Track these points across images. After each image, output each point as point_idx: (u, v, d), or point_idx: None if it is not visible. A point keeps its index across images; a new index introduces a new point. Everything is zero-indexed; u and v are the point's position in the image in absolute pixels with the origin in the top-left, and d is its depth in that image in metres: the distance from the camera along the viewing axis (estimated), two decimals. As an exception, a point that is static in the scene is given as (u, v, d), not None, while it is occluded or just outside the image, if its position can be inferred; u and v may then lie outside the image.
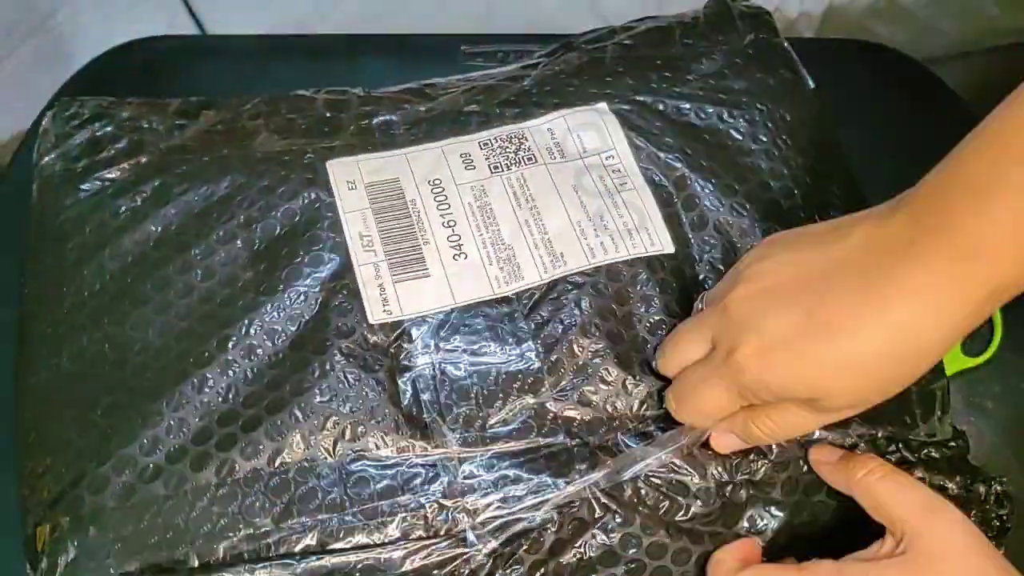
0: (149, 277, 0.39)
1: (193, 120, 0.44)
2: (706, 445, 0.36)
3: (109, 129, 0.42)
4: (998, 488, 0.37)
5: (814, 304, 0.30)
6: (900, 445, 0.38)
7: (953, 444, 0.39)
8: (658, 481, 0.36)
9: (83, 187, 0.41)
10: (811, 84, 0.47)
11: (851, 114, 0.47)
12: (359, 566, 0.33)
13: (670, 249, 0.40)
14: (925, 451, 0.38)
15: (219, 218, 0.40)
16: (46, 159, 0.42)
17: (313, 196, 0.41)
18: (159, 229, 0.40)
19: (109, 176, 0.41)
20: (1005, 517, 0.38)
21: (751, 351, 0.31)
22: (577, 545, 0.35)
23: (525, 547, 0.35)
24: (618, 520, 0.35)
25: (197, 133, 0.43)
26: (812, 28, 0.68)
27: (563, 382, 0.37)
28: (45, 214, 0.41)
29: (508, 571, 0.35)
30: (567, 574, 0.36)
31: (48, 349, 0.38)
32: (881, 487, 0.34)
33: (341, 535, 0.34)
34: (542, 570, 0.35)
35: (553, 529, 0.35)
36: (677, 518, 0.36)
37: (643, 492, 0.36)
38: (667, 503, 0.36)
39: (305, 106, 0.45)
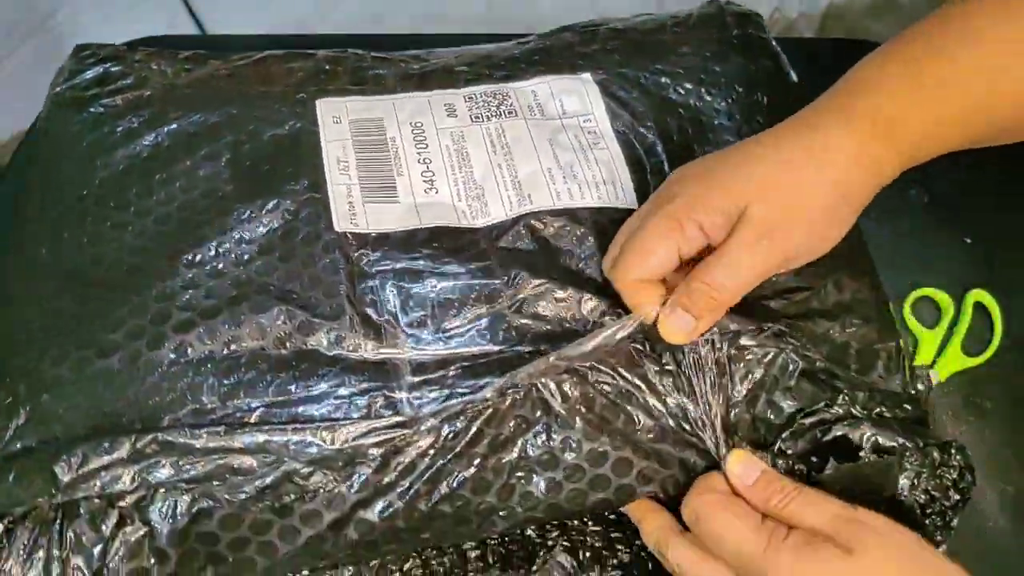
0: (135, 185, 0.41)
1: (200, 66, 0.46)
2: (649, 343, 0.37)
3: (120, 67, 0.45)
4: (958, 458, 0.37)
5: (747, 151, 0.36)
6: (848, 397, 0.38)
7: (908, 406, 0.39)
8: (607, 388, 0.36)
9: (88, 109, 0.44)
10: (794, 78, 0.48)
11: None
12: (295, 441, 0.34)
13: (633, 205, 0.41)
14: (876, 409, 0.38)
15: (208, 140, 0.42)
16: (58, 88, 0.45)
17: (299, 126, 0.43)
18: (150, 144, 0.42)
19: (113, 103, 0.44)
20: (964, 488, 0.37)
21: (695, 175, 0.37)
22: (517, 443, 0.36)
23: (466, 441, 0.35)
24: (559, 422, 0.36)
25: (201, 76, 0.46)
26: (812, 28, 0.68)
27: (520, 295, 0.38)
28: (49, 131, 0.44)
29: (447, 463, 0.35)
30: (507, 472, 0.36)
31: (30, 245, 0.40)
32: (796, 505, 0.34)
33: (284, 418, 0.35)
34: (481, 462, 0.35)
35: (495, 425, 0.35)
36: (620, 426, 0.36)
37: (590, 396, 0.36)
38: (613, 411, 0.36)
39: (306, 59, 0.47)
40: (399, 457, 0.34)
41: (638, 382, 0.36)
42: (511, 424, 0.36)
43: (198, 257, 0.38)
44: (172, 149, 0.42)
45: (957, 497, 0.37)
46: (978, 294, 0.47)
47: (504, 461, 0.35)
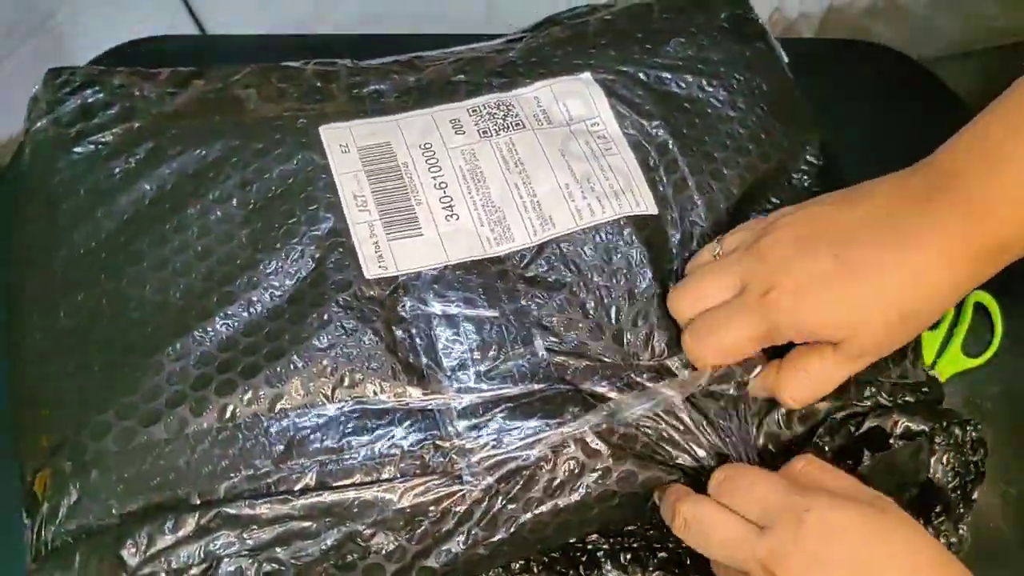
0: (145, 235, 0.39)
1: (183, 88, 0.44)
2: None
3: (101, 96, 0.43)
4: (973, 433, 0.39)
5: (842, 250, 0.34)
6: (875, 390, 0.39)
7: (927, 389, 0.40)
8: (649, 431, 0.37)
9: (76, 150, 0.41)
10: (784, 58, 0.48)
11: (850, 114, 0.47)
12: (356, 502, 0.34)
13: (653, 211, 0.42)
14: (901, 396, 0.39)
15: (214, 178, 0.40)
16: (38, 124, 0.42)
17: (307, 158, 0.41)
18: (154, 188, 0.40)
19: (102, 140, 0.41)
20: (980, 463, 0.39)
21: (787, 290, 0.34)
22: (570, 486, 0.37)
23: (520, 485, 0.36)
24: (610, 460, 0.37)
25: (188, 100, 0.43)
26: (812, 28, 0.68)
27: (557, 332, 0.38)
28: (36, 178, 0.41)
29: (504, 507, 0.36)
30: (566, 512, 0.37)
31: (41, 309, 0.38)
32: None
33: (339, 476, 0.35)
34: (538, 508, 0.36)
35: (548, 468, 0.36)
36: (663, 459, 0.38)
37: (633, 436, 0.37)
38: (659, 450, 0.38)
39: (295, 75, 0.45)
40: (456, 508, 0.35)
41: (678, 423, 0.38)
42: (563, 470, 0.36)
43: (229, 311, 0.37)
44: (177, 193, 0.40)
45: (977, 471, 0.39)
46: (978, 294, 0.47)
47: (559, 505, 0.36)
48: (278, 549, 0.33)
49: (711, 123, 0.44)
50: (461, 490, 0.35)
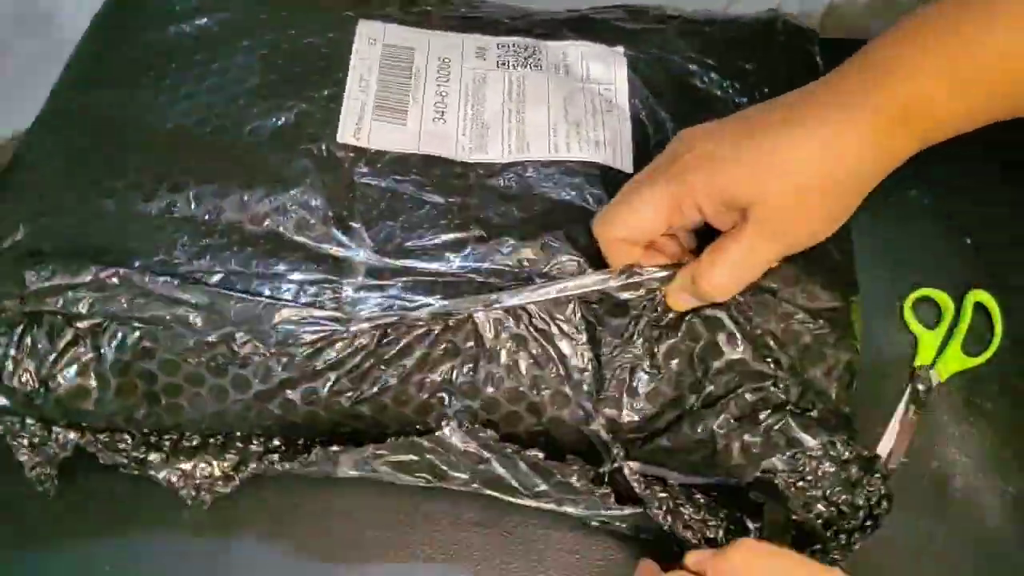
0: (176, 60, 0.44)
1: None
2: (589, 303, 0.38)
3: None
4: (879, 482, 0.37)
5: (755, 129, 0.35)
6: (779, 385, 0.38)
7: (838, 411, 0.39)
8: (538, 332, 0.38)
9: None
10: None
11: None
12: (237, 306, 0.37)
13: (628, 169, 0.43)
14: (804, 405, 0.38)
15: (252, 34, 0.45)
16: None
17: (337, 39, 0.46)
18: (200, 28, 0.46)
19: None
20: (878, 513, 0.37)
21: (700, 155, 0.35)
22: (443, 366, 0.38)
23: (395, 352, 0.37)
24: (486, 355, 0.38)
25: None
26: (812, 27, 0.67)
27: (488, 232, 0.40)
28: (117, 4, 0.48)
29: (374, 366, 0.37)
30: (428, 390, 0.38)
31: (82, 90, 0.44)
32: None
33: (238, 287, 0.38)
34: (405, 375, 0.38)
35: (427, 343, 0.38)
36: (542, 372, 0.38)
37: (522, 337, 0.38)
38: (541, 356, 0.38)
39: None
40: (329, 350, 0.37)
41: (569, 331, 0.38)
42: (441, 347, 0.38)
43: (208, 131, 0.41)
44: (217, 36, 0.45)
45: (867, 520, 0.37)
46: (978, 294, 0.47)
47: (427, 380, 0.38)
48: (160, 327, 0.37)
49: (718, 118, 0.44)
50: (338, 334, 0.37)
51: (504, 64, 0.46)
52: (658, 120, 0.45)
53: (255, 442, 0.41)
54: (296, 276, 0.38)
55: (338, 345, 0.37)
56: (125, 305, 0.36)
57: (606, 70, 0.46)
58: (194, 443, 0.41)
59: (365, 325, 0.37)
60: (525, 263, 0.39)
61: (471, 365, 0.38)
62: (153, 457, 0.40)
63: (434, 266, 0.39)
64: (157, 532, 0.42)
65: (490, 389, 0.38)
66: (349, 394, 0.37)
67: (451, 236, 0.40)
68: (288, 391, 0.37)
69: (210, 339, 0.37)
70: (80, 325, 0.37)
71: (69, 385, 0.37)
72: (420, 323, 0.37)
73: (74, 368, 0.37)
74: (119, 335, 0.37)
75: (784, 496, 0.37)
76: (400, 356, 0.37)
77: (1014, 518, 0.43)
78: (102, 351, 0.37)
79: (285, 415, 0.38)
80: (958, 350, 0.47)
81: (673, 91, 0.46)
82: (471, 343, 0.38)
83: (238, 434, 0.41)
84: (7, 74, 0.53)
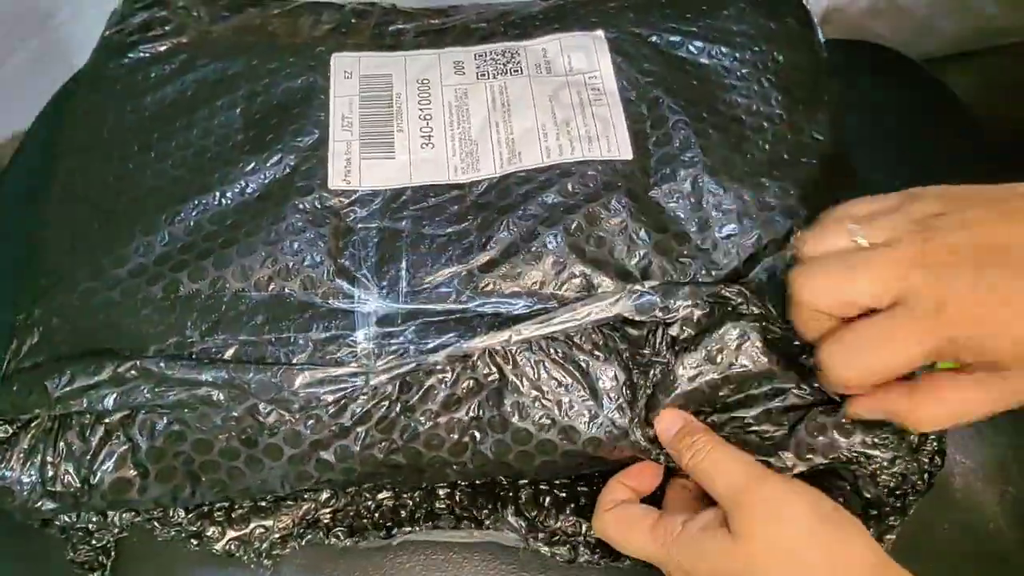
0: (157, 130, 0.44)
1: (235, 13, 0.49)
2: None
3: (164, 13, 0.49)
4: (934, 442, 0.37)
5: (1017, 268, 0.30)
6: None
7: None
8: (559, 358, 0.38)
9: (128, 55, 0.47)
10: (821, 38, 0.47)
11: (850, 114, 0.47)
12: (257, 379, 0.37)
13: (628, 156, 0.42)
14: None
15: (228, 88, 0.45)
16: (108, 32, 0.49)
17: (312, 80, 0.45)
18: (176, 93, 0.45)
19: (152, 50, 0.47)
20: (932, 473, 0.37)
21: (968, 304, 0.29)
22: (468, 404, 0.38)
23: (418, 396, 0.37)
24: (509, 387, 0.37)
25: (234, 24, 0.49)
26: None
27: (493, 256, 0.39)
28: (92, 72, 0.48)
29: (401, 415, 0.37)
30: (458, 430, 0.38)
31: (69, 173, 0.44)
32: (705, 465, 0.35)
33: (254, 356, 0.38)
34: (433, 418, 0.38)
35: (448, 383, 0.38)
36: (566, 398, 0.38)
37: (543, 364, 0.38)
38: (563, 380, 0.38)
39: (335, 11, 0.49)
40: (353, 406, 0.37)
41: (590, 348, 0.38)
42: (463, 385, 0.37)
43: (203, 202, 0.41)
44: (194, 97, 0.45)
45: (924, 482, 0.37)
46: None
47: (455, 420, 0.38)
48: (186, 410, 0.37)
49: (710, 88, 0.44)
50: (359, 388, 0.37)
51: (484, 75, 0.45)
52: (650, 99, 0.44)
53: (307, 497, 0.42)
54: (308, 337, 0.38)
55: (360, 399, 0.37)
56: (148, 395, 0.37)
57: (588, 58, 0.45)
58: (246, 508, 0.42)
59: (384, 377, 0.37)
60: (534, 286, 0.39)
61: (496, 398, 0.37)
62: (212, 532, 0.41)
63: (444, 306, 0.38)
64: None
65: (518, 419, 0.37)
66: (381, 445, 0.37)
67: (456, 269, 0.39)
68: (321, 452, 0.37)
69: (235, 414, 0.37)
70: (109, 420, 0.37)
71: (111, 479, 0.37)
72: (438, 366, 0.37)
73: (112, 462, 0.37)
74: (148, 423, 0.37)
75: (851, 476, 0.37)
76: (424, 400, 0.37)
77: (1014, 519, 0.43)
78: (135, 441, 0.37)
79: (322, 475, 0.38)
80: None
81: (659, 66, 0.45)
82: (493, 376, 0.37)
83: (287, 496, 0.41)
84: (7, 74, 0.53)
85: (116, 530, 0.41)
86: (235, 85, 0.45)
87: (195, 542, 0.41)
